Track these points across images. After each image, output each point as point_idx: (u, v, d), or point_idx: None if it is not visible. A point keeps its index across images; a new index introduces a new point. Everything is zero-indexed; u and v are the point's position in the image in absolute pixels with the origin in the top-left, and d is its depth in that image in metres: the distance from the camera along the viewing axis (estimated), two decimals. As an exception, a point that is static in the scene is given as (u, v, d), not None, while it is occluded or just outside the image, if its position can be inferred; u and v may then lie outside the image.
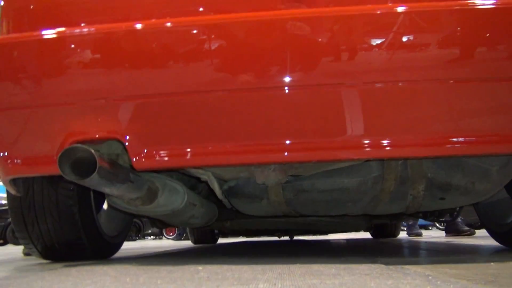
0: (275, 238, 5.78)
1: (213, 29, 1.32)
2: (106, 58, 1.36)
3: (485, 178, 1.61)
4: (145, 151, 1.36)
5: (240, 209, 1.87)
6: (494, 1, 1.27)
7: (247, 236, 5.55)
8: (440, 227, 11.17)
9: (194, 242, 4.81)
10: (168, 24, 1.33)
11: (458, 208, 2.47)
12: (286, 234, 4.56)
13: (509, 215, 2.13)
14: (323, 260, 1.53)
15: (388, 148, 1.33)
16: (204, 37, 1.32)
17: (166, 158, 1.36)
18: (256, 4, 1.37)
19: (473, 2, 1.28)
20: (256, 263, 1.48)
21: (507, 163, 1.60)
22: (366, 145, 1.33)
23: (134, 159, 1.36)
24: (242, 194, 1.73)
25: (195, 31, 1.33)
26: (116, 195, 1.49)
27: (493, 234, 2.32)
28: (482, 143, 1.33)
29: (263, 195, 1.70)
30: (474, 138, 1.32)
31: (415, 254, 2.17)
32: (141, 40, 1.34)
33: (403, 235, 6.16)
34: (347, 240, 4.83)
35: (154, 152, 1.36)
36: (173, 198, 1.66)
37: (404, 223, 6.13)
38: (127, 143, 1.36)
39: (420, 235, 5.87)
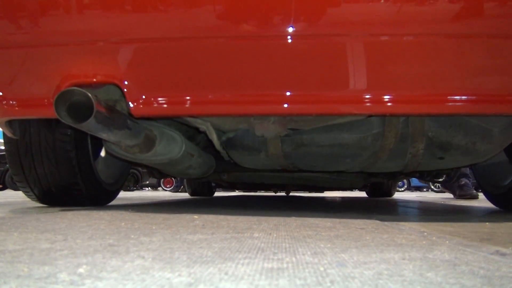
0: (272, 194, 5.84)
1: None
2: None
3: (487, 139, 1.59)
4: (143, 97, 1.33)
5: (237, 161, 1.86)
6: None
7: (244, 190, 5.60)
8: (434, 189, 11.29)
9: (191, 194, 4.86)
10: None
11: (454, 170, 2.48)
12: (283, 189, 4.60)
13: (506, 177, 2.13)
14: (319, 215, 1.54)
15: (389, 104, 1.30)
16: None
17: (164, 106, 1.33)
18: None
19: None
20: (252, 214, 1.48)
21: (509, 124, 1.58)
22: (367, 100, 1.30)
23: (131, 105, 1.33)
24: (241, 146, 1.71)
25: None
26: (113, 141, 1.48)
27: (489, 196, 2.33)
28: (484, 102, 1.30)
29: (262, 147, 1.69)
30: (476, 97, 1.29)
31: (410, 212, 2.18)
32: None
33: (398, 195, 6.22)
34: (343, 198, 4.88)
35: (152, 99, 1.33)
36: (171, 147, 1.64)
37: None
38: (125, 89, 1.32)
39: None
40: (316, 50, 1.29)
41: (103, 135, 1.38)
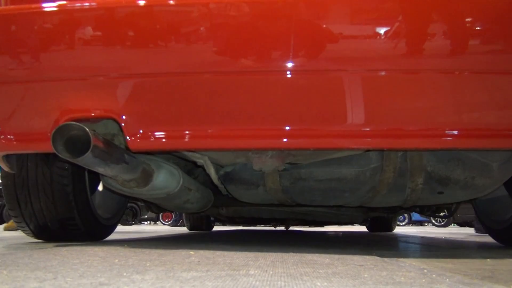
0: (271, 228, 5.78)
1: (212, 9, 1.28)
2: (107, 35, 1.32)
3: (485, 173, 1.58)
4: (141, 131, 1.33)
5: (236, 195, 1.84)
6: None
7: (243, 224, 5.54)
8: (436, 223, 11.19)
9: (190, 229, 4.80)
10: (170, 2, 1.30)
11: (455, 204, 2.45)
12: (282, 224, 4.55)
13: (507, 212, 2.11)
14: (318, 251, 1.51)
15: (388, 139, 1.31)
16: (203, 17, 1.28)
17: (162, 140, 1.33)
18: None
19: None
20: (249, 250, 1.46)
21: (508, 158, 1.58)
22: (366, 135, 1.30)
23: (129, 139, 1.33)
24: (239, 180, 1.70)
25: (195, 11, 1.29)
26: (110, 176, 1.47)
27: (490, 231, 2.30)
28: (481, 137, 1.30)
29: (260, 182, 1.68)
30: (473, 132, 1.29)
31: (410, 248, 2.15)
32: (141, 17, 1.30)
33: (399, 229, 6.16)
34: (343, 232, 4.83)
35: (150, 133, 1.33)
36: (168, 181, 1.63)
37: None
38: (123, 123, 1.33)
39: None
40: (313, 85, 1.29)
41: (100, 170, 1.37)
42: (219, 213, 2.87)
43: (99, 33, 1.31)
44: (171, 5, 1.30)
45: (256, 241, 2.19)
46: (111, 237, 2.22)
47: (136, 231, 4.16)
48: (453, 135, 1.29)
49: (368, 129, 1.29)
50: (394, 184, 1.63)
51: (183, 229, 5.30)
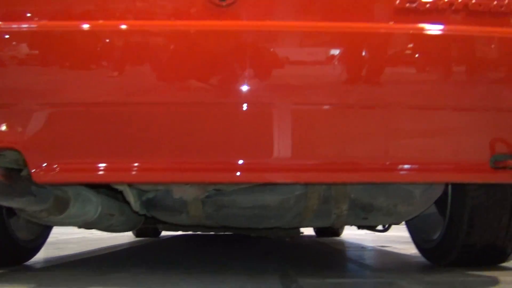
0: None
1: (129, 37, 1.23)
2: (8, 58, 1.23)
3: (408, 201, 1.59)
4: (46, 163, 1.25)
5: (161, 219, 1.79)
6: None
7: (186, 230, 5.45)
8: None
9: (136, 235, 4.69)
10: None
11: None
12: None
13: (436, 231, 2.14)
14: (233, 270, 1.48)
15: (311, 173, 1.29)
16: (118, 45, 1.22)
17: (68, 173, 1.26)
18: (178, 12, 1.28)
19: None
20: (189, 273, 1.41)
21: (430, 186, 1.59)
22: (289, 169, 1.28)
23: (33, 172, 1.25)
24: (161, 207, 1.65)
25: (106, 37, 1.23)
26: (16, 208, 1.38)
27: (420, 249, 2.33)
28: (405, 171, 1.30)
29: (183, 209, 1.62)
30: (397, 166, 1.29)
31: (333, 266, 2.15)
32: (46, 40, 1.23)
33: (348, 231, 6.23)
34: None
35: (55, 166, 1.25)
36: (86, 209, 1.56)
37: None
38: (26, 155, 1.24)
39: None
40: (233, 118, 1.25)
41: (3, 203, 1.29)
42: (156, 227, 2.79)
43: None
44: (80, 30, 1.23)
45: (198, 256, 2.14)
46: (38, 256, 2.12)
47: (77, 240, 4.02)
48: (375, 170, 1.29)
49: (291, 162, 1.27)
50: (319, 211, 1.62)
51: (129, 235, 5.17)
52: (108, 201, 1.67)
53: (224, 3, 1.26)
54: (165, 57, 1.22)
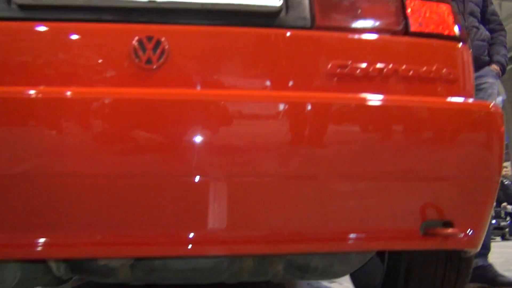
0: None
1: (47, 104, 1.14)
2: None
3: (344, 261, 1.57)
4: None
5: (91, 280, 1.68)
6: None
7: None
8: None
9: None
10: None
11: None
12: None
13: (377, 277, 2.13)
14: None
15: (238, 246, 1.24)
16: (36, 112, 1.14)
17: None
18: (101, 77, 1.21)
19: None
20: None
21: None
22: (225, 241, 1.22)
23: None
24: (87, 271, 1.55)
25: (21, 103, 1.14)
26: None
27: (361, 295, 2.32)
28: (338, 241, 1.28)
29: (110, 273, 1.53)
30: (331, 236, 1.27)
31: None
32: None
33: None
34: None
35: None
36: (4, 275, 1.44)
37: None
38: None
39: None
40: (163, 189, 1.19)
41: None
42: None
43: None
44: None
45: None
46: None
47: None
48: (313, 240, 1.26)
49: (218, 235, 1.22)
50: (254, 271, 1.57)
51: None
52: (29, 264, 1.56)
53: (151, 66, 1.21)
54: (87, 126, 1.14)
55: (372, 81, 1.29)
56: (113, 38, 1.23)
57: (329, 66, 1.27)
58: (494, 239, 11.41)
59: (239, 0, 1.28)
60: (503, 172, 12.02)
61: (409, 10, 1.35)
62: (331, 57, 1.28)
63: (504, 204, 11.74)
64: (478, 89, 2.80)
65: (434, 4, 1.39)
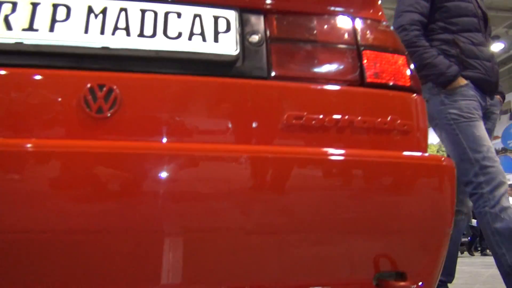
0: None
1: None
2: None
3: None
4: None
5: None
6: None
7: None
8: None
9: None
10: None
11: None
12: None
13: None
14: None
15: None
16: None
17: None
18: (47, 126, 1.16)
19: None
20: None
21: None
22: None
23: None
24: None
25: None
26: None
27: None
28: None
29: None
30: None
31: None
32: None
33: None
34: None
35: None
36: None
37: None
38: None
39: None
40: (111, 246, 1.13)
41: None
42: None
43: None
44: None
45: None
46: None
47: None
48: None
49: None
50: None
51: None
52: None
53: (102, 116, 1.17)
54: (29, 180, 1.09)
55: (327, 132, 1.29)
56: (63, 85, 1.18)
57: (285, 117, 1.26)
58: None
59: (194, 49, 1.26)
60: None
61: (365, 61, 1.37)
62: (287, 108, 1.27)
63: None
64: (492, 119, 2.85)
65: (390, 55, 1.40)
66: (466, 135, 2.44)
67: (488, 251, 11.50)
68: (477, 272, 6.34)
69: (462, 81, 2.53)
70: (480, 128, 2.47)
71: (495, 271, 2.87)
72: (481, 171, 2.38)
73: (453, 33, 2.60)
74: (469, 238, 12.35)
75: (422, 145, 1.39)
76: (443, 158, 1.32)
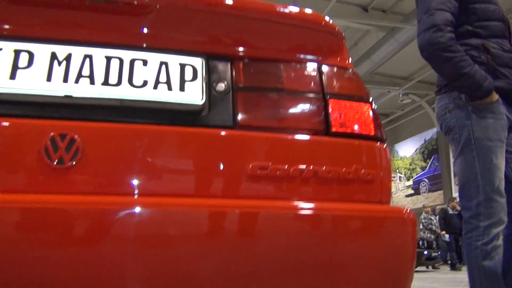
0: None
1: None
2: None
3: None
4: None
5: None
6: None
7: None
8: None
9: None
10: None
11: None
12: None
13: None
14: None
15: None
16: None
17: None
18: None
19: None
20: None
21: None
22: None
23: None
24: None
25: None
26: None
27: None
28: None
29: None
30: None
31: None
32: None
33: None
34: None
35: None
36: None
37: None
38: None
39: None
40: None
41: None
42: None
43: None
44: None
45: None
46: None
47: None
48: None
49: None
50: None
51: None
52: None
53: (63, 167, 1.15)
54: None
55: (292, 183, 1.29)
56: (23, 135, 1.16)
57: (250, 167, 1.26)
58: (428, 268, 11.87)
59: (160, 98, 1.26)
60: (454, 203, 12.47)
61: (331, 110, 1.38)
62: (252, 158, 1.27)
63: (443, 232, 12.19)
64: None
65: (355, 104, 1.42)
66: (483, 160, 2.21)
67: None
68: None
69: (495, 97, 2.24)
70: (500, 156, 2.23)
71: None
72: (486, 203, 2.19)
73: (481, 38, 2.32)
74: (439, 253, 12.55)
75: (385, 194, 1.40)
76: (404, 210, 1.34)
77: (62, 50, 1.25)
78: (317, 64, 1.44)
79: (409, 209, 1.34)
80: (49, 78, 1.20)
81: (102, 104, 1.22)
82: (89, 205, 1.11)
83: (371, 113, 1.43)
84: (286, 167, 1.29)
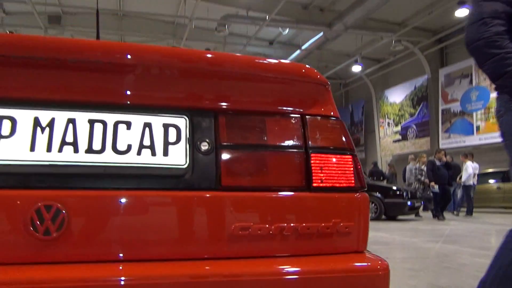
0: None
1: None
2: None
3: None
4: None
5: None
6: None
7: None
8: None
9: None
10: None
11: None
12: None
13: None
14: None
15: None
16: None
17: None
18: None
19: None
20: None
21: None
22: None
23: None
24: None
25: None
26: None
27: None
28: None
29: None
30: None
31: None
32: None
33: None
34: None
35: None
36: None
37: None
38: None
39: None
40: None
41: None
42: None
43: None
44: None
45: None
46: None
47: None
48: None
49: None
50: None
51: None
52: None
53: (49, 238, 1.17)
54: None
55: (272, 241, 1.34)
56: (8, 207, 1.18)
57: (232, 228, 1.30)
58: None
59: (143, 163, 1.27)
60: (440, 155, 12.71)
61: (312, 166, 1.40)
62: (233, 219, 1.31)
63: (432, 183, 12.46)
64: None
65: (338, 157, 1.44)
66: None
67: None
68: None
69: None
70: None
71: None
72: None
73: None
74: (422, 202, 12.94)
75: (362, 242, 1.45)
76: (378, 266, 1.39)
77: (45, 115, 1.24)
78: (301, 116, 1.45)
79: (383, 260, 1.39)
80: (32, 148, 1.21)
81: (86, 172, 1.23)
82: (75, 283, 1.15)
83: (352, 163, 1.46)
84: (266, 226, 1.33)
